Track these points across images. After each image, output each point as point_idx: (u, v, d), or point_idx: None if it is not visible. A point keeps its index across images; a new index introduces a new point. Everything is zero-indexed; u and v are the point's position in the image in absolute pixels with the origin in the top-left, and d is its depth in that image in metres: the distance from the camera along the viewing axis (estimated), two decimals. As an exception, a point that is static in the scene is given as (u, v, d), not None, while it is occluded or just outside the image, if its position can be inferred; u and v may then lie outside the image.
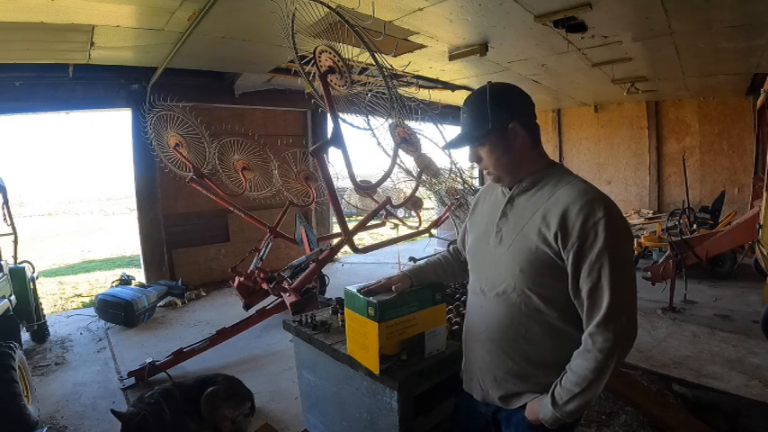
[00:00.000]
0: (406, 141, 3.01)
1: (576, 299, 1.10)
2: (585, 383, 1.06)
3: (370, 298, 1.35)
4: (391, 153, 2.91)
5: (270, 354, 3.77)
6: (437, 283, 1.45)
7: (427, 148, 3.20)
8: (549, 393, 1.12)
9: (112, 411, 2.20)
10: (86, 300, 6.04)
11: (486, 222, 1.28)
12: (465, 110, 1.21)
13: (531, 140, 1.18)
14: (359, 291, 1.40)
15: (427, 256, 1.76)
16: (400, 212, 5.52)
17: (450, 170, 3.33)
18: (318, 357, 1.70)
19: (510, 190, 1.22)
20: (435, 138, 3.14)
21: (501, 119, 1.15)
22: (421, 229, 4.70)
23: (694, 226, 5.58)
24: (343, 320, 1.64)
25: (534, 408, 1.16)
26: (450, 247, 1.61)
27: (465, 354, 1.36)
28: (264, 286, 3.87)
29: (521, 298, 1.15)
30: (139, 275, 6.18)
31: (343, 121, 2.54)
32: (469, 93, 1.25)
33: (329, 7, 2.01)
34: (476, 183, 10.73)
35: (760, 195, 4.37)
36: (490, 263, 1.23)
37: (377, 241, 4.74)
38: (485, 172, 1.24)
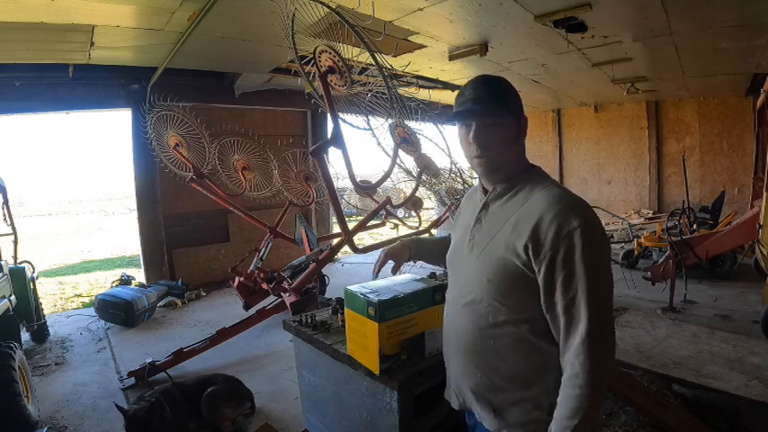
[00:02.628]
0: (406, 141, 3.02)
1: (549, 313, 1.03)
2: (584, 409, 0.96)
3: (371, 298, 1.35)
4: (391, 153, 2.91)
5: (270, 354, 3.77)
6: (437, 283, 1.46)
7: (427, 148, 3.21)
8: None
9: (116, 405, 2.20)
10: (86, 300, 6.05)
11: (463, 229, 1.24)
12: (486, 82, 1.14)
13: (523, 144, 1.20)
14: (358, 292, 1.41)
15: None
16: (400, 212, 5.52)
17: (450, 170, 3.34)
18: (318, 357, 1.70)
19: (485, 195, 1.19)
20: (435, 138, 3.15)
21: (520, 108, 1.15)
22: (421, 229, 4.70)
23: (694, 226, 5.57)
24: (343, 320, 1.63)
25: None
26: None
27: (445, 363, 1.32)
28: (264, 286, 3.87)
29: (488, 309, 1.11)
30: (139, 275, 6.19)
31: (343, 121, 2.55)
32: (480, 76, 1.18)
33: (329, 7, 2.01)
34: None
35: (760, 195, 4.36)
36: (462, 272, 1.20)
37: (377, 241, 4.74)
38: (476, 156, 1.13)
